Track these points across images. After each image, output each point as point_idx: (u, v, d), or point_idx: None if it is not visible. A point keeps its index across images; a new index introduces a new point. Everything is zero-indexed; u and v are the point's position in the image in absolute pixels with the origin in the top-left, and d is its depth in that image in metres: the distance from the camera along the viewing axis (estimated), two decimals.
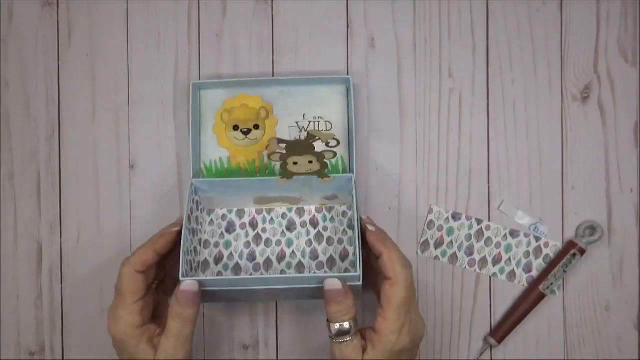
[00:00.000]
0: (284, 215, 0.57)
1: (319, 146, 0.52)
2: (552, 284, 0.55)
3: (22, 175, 0.59)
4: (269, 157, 0.53)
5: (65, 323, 0.59)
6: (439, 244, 0.57)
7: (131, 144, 0.59)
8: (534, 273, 0.57)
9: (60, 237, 0.59)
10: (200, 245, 0.56)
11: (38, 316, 0.59)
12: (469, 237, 0.57)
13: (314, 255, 0.56)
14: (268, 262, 0.56)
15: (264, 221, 0.57)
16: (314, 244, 0.56)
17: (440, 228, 0.57)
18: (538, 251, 0.57)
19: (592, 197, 0.57)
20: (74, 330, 0.59)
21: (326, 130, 0.56)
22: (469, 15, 0.58)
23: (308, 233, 0.57)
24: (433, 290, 0.57)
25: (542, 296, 0.56)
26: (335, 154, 0.53)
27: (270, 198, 0.56)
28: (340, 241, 0.56)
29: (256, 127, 0.56)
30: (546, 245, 0.57)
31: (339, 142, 0.52)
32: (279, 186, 0.54)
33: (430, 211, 0.57)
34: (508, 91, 0.58)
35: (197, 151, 0.56)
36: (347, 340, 0.46)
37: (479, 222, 0.57)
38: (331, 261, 0.56)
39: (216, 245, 0.57)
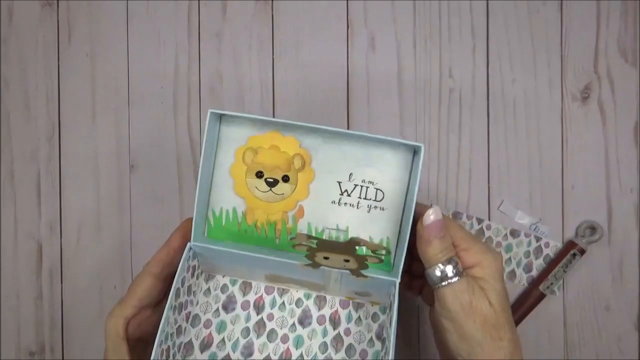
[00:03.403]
0: (299, 302, 0.46)
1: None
2: (552, 284, 0.55)
3: (22, 175, 0.59)
4: (293, 247, 0.41)
5: (65, 323, 0.59)
6: None
7: (131, 144, 0.59)
8: (534, 273, 0.57)
9: (60, 237, 0.59)
10: (187, 320, 0.45)
11: (38, 316, 0.59)
12: None
13: None
14: None
15: (273, 304, 0.46)
16: (330, 350, 0.44)
17: None
18: (538, 251, 0.57)
19: (592, 197, 0.57)
20: (74, 330, 0.59)
21: (375, 200, 0.43)
22: (469, 15, 0.58)
23: (325, 333, 0.45)
24: None
25: (542, 296, 0.56)
26: (381, 260, 0.41)
27: (286, 278, 0.45)
28: (363, 354, 0.44)
29: (285, 178, 0.44)
30: (546, 245, 0.57)
31: (388, 252, 0.42)
32: (301, 269, 0.43)
33: None
34: (508, 91, 0.58)
35: (205, 197, 0.44)
36: (460, 279, 0.40)
37: (480, 221, 0.57)
38: None
39: (207, 324, 0.45)
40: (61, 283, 0.59)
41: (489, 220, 0.57)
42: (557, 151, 0.57)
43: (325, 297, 0.46)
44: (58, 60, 0.60)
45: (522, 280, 0.57)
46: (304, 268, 0.42)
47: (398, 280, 0.41)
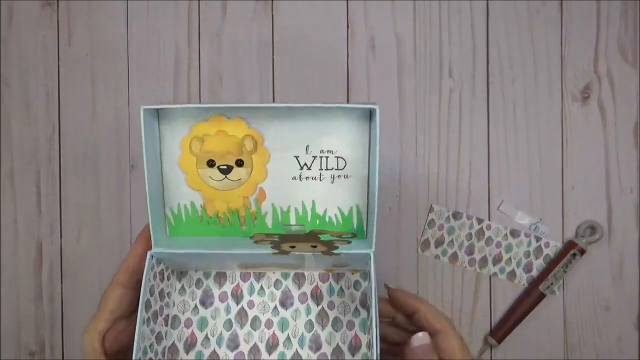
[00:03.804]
0: (277, 284, 0.44)
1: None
2: (552, 284, 0.55)
3: (22, 175, 0.59)
4: (255, 243, 0.39)
5: (65, 323, 0.59)
6: (439, 243, 0.57)
7: (131, 144, 0.59)
8: (534, 273, 0.57)
9: (60, 237, 0.59)
10: (166, 324, 0.43)
11: (38, 315, 0.59)
12: (469, 236, 0.57)
13: (316, 344, 0.43)
14: (255, 351, 0.43)
15: (251, 291, 0.44)
16: (316, 327, 0.43)
17: (440, 227, 0.57)
18: (538, 251, 0.57)
19: (592, 197, 0.57)
20: (74, 330, 0.59)
21: (337, 168, 0.42)
22: (469, 15, 0.58)
23: (309, 311, 0.44)
24: (433, 289, 0.57)
25: (542, 296, 0.56)
26: (349, 242, 0.40)
27: (259, 264, 0.44)
28: (350, 325, 0.43)
29: (239, 163, 0.41)
30: (546, 245, 0.57)
31: (355, 235, 0.40)
32: (272, 258, 0.41)
33: (431, 210, 0.57)
34: (508, 91, 0.58)
35: (158, 195, 0.42)
36: None
37: (480, 221, 0.57)
38: (338, 353, 0.43)
39: (188, 324, 0.44)
40: (61, 283, 0.59)
41: (489, 220, 0.57)
42: (557, 151, 0.57)
43: (303, 274, 0.44)
44: (58, 60, 0.60)
45: (522, 280, 0.57)
46: (274, 256, 0.40)
47: (372, 250, 0.40)
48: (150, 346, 0.40)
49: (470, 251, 0.57)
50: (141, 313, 0.38)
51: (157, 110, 0.41)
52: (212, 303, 0.44)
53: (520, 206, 0.57)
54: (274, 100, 0.58)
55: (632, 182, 0.57)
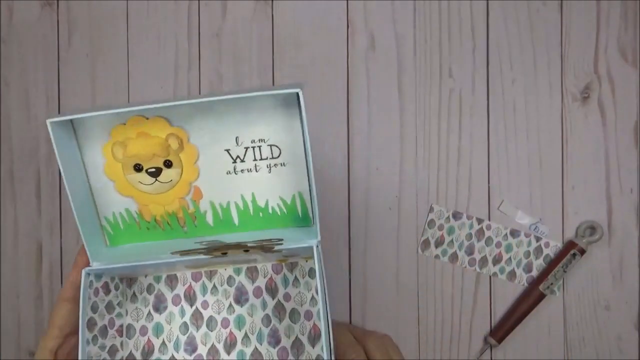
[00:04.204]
0: (230, 281, 0.43)
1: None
2: (552, 284, 0.55)
3: (22, 175, 0.59)
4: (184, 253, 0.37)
5: None
6: (439, 243, 0.57)
7: None
8: (534, 273, 0.57)
9: (60, 237, 0.59)
10: (121, 335, 0.42)
11: (38, 316, 0.59)
12: (469, 236, 0.57)
13: (275, 339, 0.42)
14: (213, 352, 0.42)
15: (204, 291, 0.43)
16: (274, 321, 0.42)
17: (441, 227, 0.57)
18: (538, 251, 0.57)
19: (592, 197, 0.57)
20: None
21: (273, 157, 0.40)
22: (469, 15, 0.58)
23: (264, 305, 0.43)
24: (433, 289, 0.57)
25: (542, 296, 0.56)
26: (280, 243, 0.38)
27: (208, 262, 0.41)
28: (308, 315, 0.42)
29: (167, 164, 0.39)
30: (546, 245, 0.57)
31: (282, 243, 0.37)
32: (217, 260, 0.39)
33: (431, 210, 0.57)
34: (508, 91, 0.58)
35: (88, 208, 0.40)
36: None
37: (480, 221, 0.57)
38: (298, 345, 0.42)
39: (143, 331, 0.42)
40: (61, 283, 0.59)
41: (489, 220, 0.57)
42: (557, 151, 0.57)
43: (256, 267, 0.43)
44: (58, 60, 0.60)
45: (522, 280, 0.57)
46: (215, 258, 0.39)
47: (318, 239, 0.38)
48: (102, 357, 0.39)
49: (470, 251, 0.57)
50: (83, 333, 0.37)
51: (71, 120, 0.38)
52: (165, 307, 0.43)
53: (520, 206, 0.57)
54: None
55: (632, 182, 0.57)
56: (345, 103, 0.58)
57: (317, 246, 0.37)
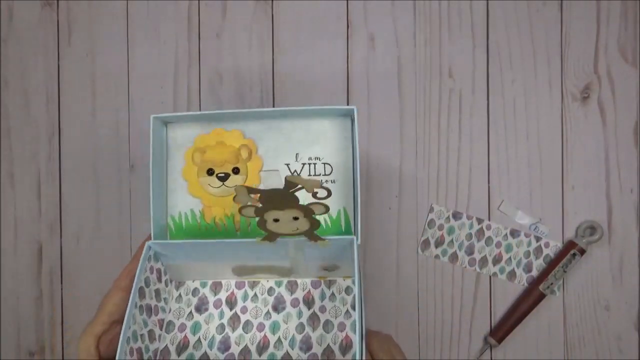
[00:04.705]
0: (270, 291, 0.46)
1: (305, 197, 0.39)
2: (552, 284, 0.55)
3: (22, 175, 0.59)
4: (239, 211, 0.39)
5: (65, 323, 0.59)
6: (439, 243, 0.57)
7: (131, 144, 0.59)
8: (534, 273, 0.57)
9: (60, 237, 0.59)
10: (161, 328, 0.44)
11: (38, 316, 0.59)
12: (469, 236, 0.57)
13: (307, 345, 0.43)
14: (245, 353, 0.44)
15: (245, 298, 0.45)
16: (307, 329, 0.44)
17: (441, 227, 0.57)
18: (538, 251, 0.57)
19: (592, 197, 0.57)
20: (74, 330, 0.59)
21: (325, 174, 0.44)
22: (469, 15, 0.58)
23: (300, 314, 0.45)
24: (433, 289, 0.57)
25: (542, 296, 0.56)
26: (326, 208, 0.39)
27: (253, 267, 0.45)
28: (341, 327, 0.44)
29: (235, 171, 0.45)
30: (546, 245, 0.57)
31: (329, 193, 0.39)
32: (262, 250, 0.42)
33: (431, 210, 0.57)
34: (508, 91, 0.58)
35: (162, 201, 0.44)
36: None
37: (480, 221, 0.57)
38: (328, 353, 0.43)
39: (181, 328, 0.45)
40: (61, 283, 0.59)
41: (489, 220, 0.57)
42: (557, 151, 0.57)
43: (296, 281, 0.46)
44: (58, 60, 0.60)
45: (522, 280, 0.57)
46: (261, 243, 0.41)
47: (357, 238, 0.41)
48: (141, 336, 0.41)
49: (470, 251, 0.57)
50: (134, 296, 0.39)
51: (164, 121, 0.44)
52: (206, 309, 0.45)
53: (520, 206, 0.57)
54: (274, 101, 0.58)
55: (632, 182, 0.57)
56: (345, 103, 0.58)
57: (356, 241, 0.40)
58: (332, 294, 0.45)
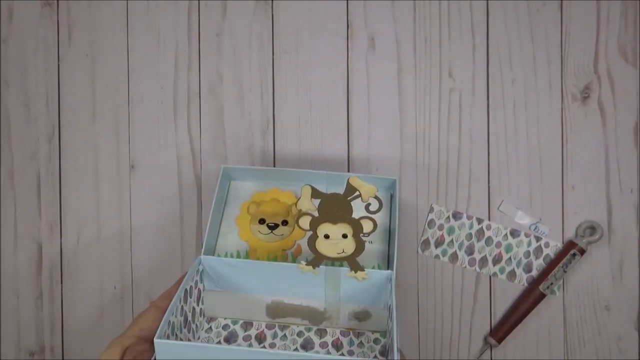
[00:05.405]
0: (300, 334, 0.47)
1: (357, 209, 0.44)
2: (552, 284, 0.55)
3: (22, 175, 0.59)
4: (296, 221, 0.44)
5: (65, 323, 0.59)
6: (439, 243, 0.57)
7: (131, 144, 0.59)
8: (534, 273, 0.57)
9: (60, 237, 0.59)
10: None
11: (38, 316, 0.59)
12: (469, 236, 0.57)
13: None
14: None
15: (274, 336, 0.47)
16: None
17: (441, 227, 0.57)
18: (538, 251, 0.57)
19: (592, 197, 0.57)
20: (74, 330, 0.59)
21: (363, 234, 0.46)
22: (469, 15, 0.58)
23: (328, 354, 0.46)
24: (433, 289, 0.57)
25: (542, 296, 0.56)
26: (374, 225, 0.44)
27: (287, 307, 0.47)
28: None
29: (284, 223, 0.51)
30: (546, 245, 0.57)
31: (381, 206, 0.44)
32: (300, 281, 0.45)
33: (431, 210, 0.57)
34: (508, 91, 0.58)
35: (213, 239, 0.50)
36: None
37: (480, 221, 0.57)
38: None
39: None
40: (61, 283, 0.59)
41: (489, 220, 0.57)
42: (557, 151, 0.57)
43: (325, 329, 0.48)
44: (58, 60, 0.60)
45: (522, 280, 0.57)
46: (305, 268, 0.44)
47: (394, 273, 0.44)
48: (179, 327, 0.43)
49: (470, 251, 0.57)
50: (180, 291, 0.41)
51: (230, 174, 0.51)
52: (235, 341, 0.47)
53: (520, 206, 0.57)
54: (274, 101, 0.58)
55: (632, 182, 0.57)
56: (345, 103, 0.58)
57: (393, 276, 0.44)
58: (361, 342, 0.47)
